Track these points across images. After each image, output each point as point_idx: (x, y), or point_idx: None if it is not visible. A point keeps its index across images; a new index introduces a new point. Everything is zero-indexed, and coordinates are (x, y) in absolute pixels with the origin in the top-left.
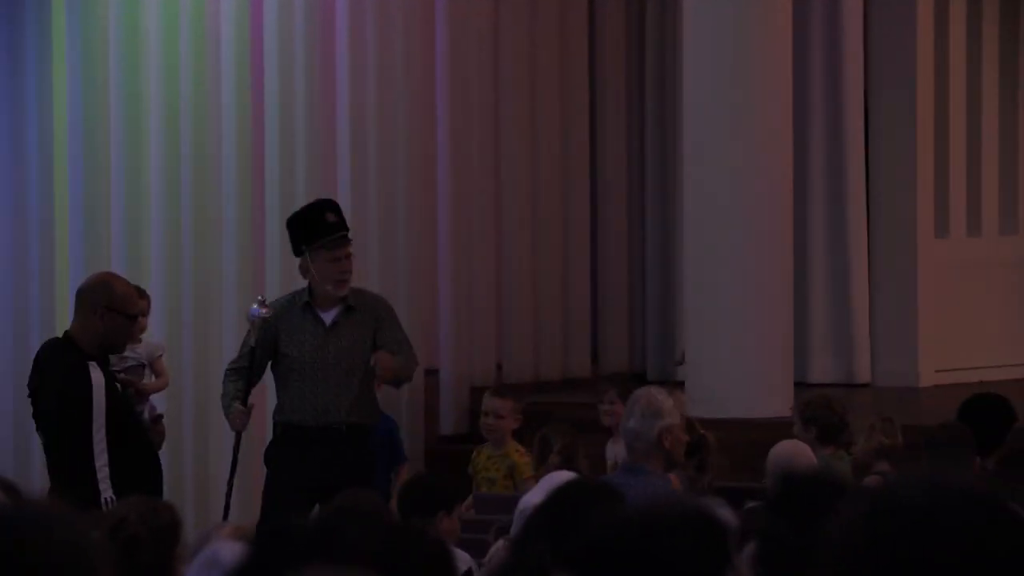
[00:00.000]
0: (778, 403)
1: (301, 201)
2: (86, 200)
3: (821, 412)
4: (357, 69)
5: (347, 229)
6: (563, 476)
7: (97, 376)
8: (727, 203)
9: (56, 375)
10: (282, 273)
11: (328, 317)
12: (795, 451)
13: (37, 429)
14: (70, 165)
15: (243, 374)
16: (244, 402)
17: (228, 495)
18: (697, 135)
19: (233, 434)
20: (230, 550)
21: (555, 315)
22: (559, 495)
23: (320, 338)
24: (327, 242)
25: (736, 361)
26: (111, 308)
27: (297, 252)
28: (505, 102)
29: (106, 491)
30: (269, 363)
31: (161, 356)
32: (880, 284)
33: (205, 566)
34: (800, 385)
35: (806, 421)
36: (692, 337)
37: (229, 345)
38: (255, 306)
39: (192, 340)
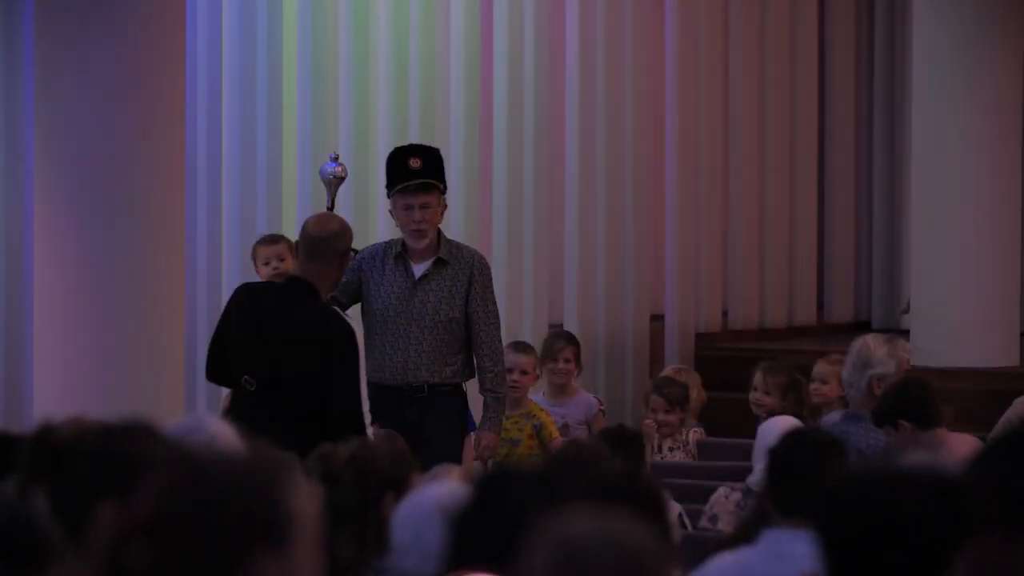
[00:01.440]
0: (1004, 352)
1: (530, 156)
2: (314, 137)
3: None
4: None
5: (434, 177)
6: (788, 421)
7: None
8: (954, 151)
9: (322, 324)
10: (508, 235)
11: (419, 269)
12: None
13: (242, 372)
14: (299, 105)
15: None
16: None
17: None
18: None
19: None
20: (455, 494)
21: (781, 262)
22: (789, 444)
23: (407, 291)
24: (402, 188)
25: (962, 310)
26: (348, 252)
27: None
28: None
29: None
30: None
31: None
32: None
33: (432, 509)
34: None
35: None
36: (917, 286)
37: None
38: (328, 162)
39: None
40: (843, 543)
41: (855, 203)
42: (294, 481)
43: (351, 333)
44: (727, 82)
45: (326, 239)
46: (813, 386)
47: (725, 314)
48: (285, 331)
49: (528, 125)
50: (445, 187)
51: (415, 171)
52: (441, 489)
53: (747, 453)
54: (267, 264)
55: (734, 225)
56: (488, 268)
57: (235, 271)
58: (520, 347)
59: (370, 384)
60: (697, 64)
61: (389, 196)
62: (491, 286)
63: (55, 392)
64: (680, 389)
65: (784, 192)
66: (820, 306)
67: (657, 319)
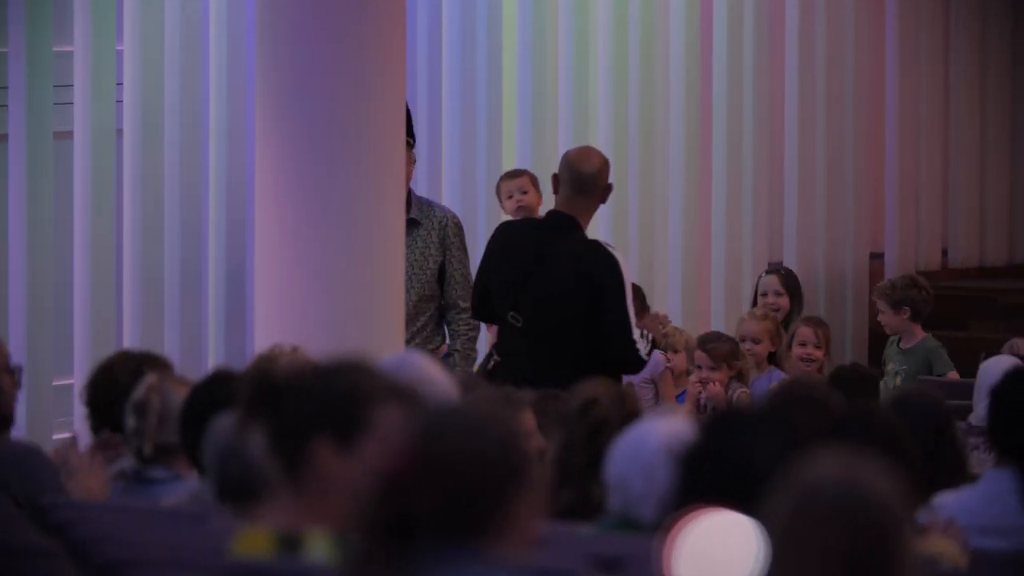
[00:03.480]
0: None
1: (749, 94)
2: (533, 122)
3: (910, 292)
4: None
5: (409, 136)
6: (1010, 361)
7: (616, 254)
8: None
9: (587, 257)
10: (727, 174)
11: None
12: None
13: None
14: (519, 89)
15: None
16: None
17: None
18: None
19: None
20: (680, 435)
21: (1001, 199)
22: (1011, 384)
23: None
24: None
25: None
26: (610, 186)
27: None
28: None
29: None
30: None
31: None
32: None
33: (659, 452)
34: None
35: (896, 304)
36: None
37: (673, 271)
38: None
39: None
40: None
41: None
42: (523, 420)
43: (617, 264)
44: (948, 15)
45: (593, 174)
46: (745, 346)
47: (945, 252)
48: (550, 266)
49: (747, 62)
50: (414, 141)
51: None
52: (662, 431)
53: (967, 392)
54: (510, 198)
55: (954, 162)
56: (461, 230)
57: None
58: None
59: None
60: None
61: None
62: (465, 249)
63: (275, 331)
64: (726, 344)
65: (1006, 127)
66: None
67: (876, 257)
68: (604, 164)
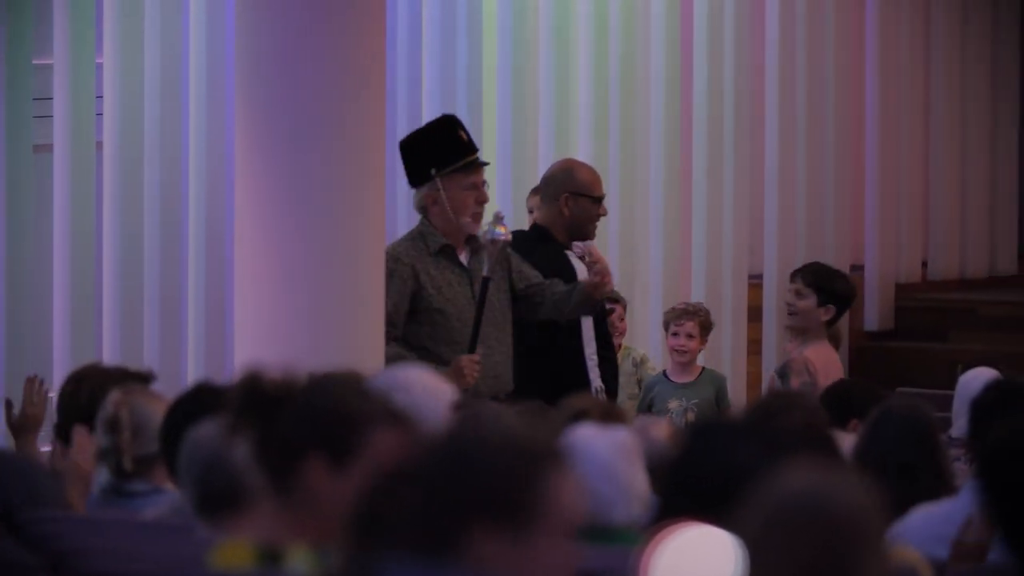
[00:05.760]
0: None
1: (730, 104)
2: (514, 126)
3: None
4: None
5: (478, 149)
6: (989, 373)
7: (578, 265)
8: None
9: (542, 265)
10: (708, 184)
11: (465, 260)
12: None
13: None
14: (499, 91)
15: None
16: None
17: None
18: None
19: None
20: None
21: (981, 212)
22: (992, 396)
23: (468, 287)
24: (465, 164)
25: None
26: (576, 193)
27: (421, 179)
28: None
29: (595, 380)
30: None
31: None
32: None
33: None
34: None
35: (708, 331)
36: None
37: (655, 282)
38: (494, 227)
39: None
40: (1004, 492)
41: None
42: (557, 471)
43: (570, 279)
44: (928, 27)
45: (544, 181)
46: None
47: (925, 264)
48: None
49: (728, 72)
50: (476, 156)
51: (469, 144)
52: (600, 436)
53: (945, 404)
54: (531, 213)
55: (934, 174)
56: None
57: None
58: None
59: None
60: (898, 6)
61: (435, 178)
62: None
63: (255, 344)
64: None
65: (986, 139)
66: (1022, 255)
67: (857, 269)
68: (560, 170)
